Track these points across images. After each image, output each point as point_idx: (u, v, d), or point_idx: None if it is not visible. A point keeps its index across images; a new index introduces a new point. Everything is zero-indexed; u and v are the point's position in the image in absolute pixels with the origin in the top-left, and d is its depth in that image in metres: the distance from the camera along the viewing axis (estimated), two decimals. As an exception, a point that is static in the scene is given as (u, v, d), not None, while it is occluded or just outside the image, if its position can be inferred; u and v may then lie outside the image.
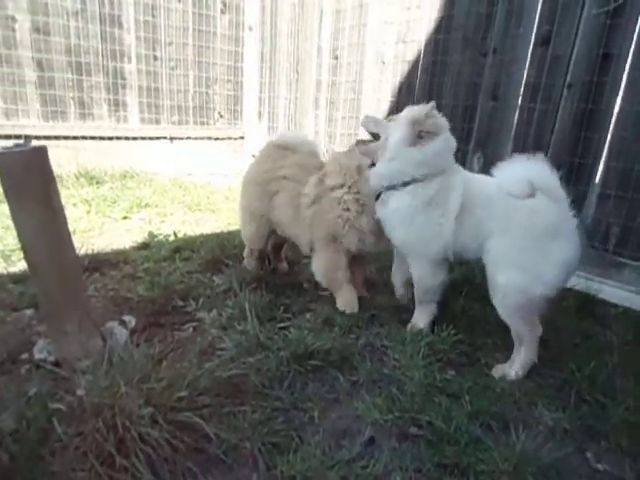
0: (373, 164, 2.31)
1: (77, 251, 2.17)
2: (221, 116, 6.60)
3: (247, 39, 6.52)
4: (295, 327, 2.27)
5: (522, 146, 3.53)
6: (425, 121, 2.14)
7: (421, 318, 2.37)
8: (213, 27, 6.26)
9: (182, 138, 6.24)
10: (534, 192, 1.99)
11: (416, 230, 2.20)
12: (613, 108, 3.06)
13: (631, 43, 2.94)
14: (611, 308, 2.82)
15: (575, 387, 1.96)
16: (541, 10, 3.37)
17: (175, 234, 3.54)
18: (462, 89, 3.94)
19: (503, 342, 2.26)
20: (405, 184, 2.18)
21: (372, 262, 3.04)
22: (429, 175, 2.15)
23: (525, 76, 3.51)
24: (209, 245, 3.30)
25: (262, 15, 6.28)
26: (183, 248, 3.28)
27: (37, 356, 1.91)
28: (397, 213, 2.22)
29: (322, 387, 1.90)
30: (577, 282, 2.95)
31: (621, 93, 3.02)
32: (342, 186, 2.44)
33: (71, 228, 1.95)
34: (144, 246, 3.34)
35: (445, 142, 2.19)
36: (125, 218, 4.07)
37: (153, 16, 5.70)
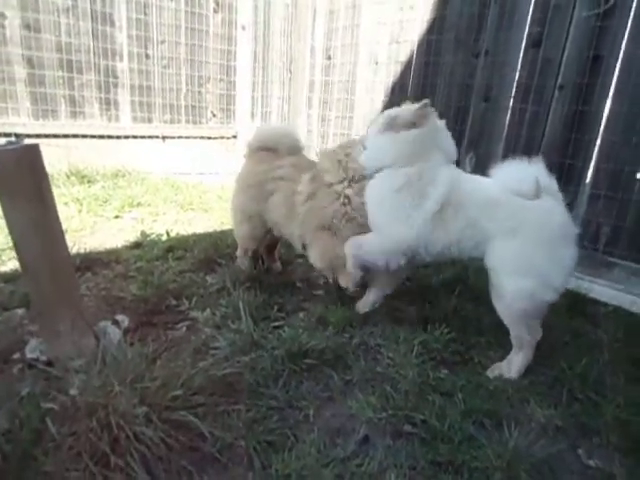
0: None
1: (69, 250, 2.15)
2: (214, 115, 6.57)
3: (240, 38, 6.50)
4: (289, 326, 2.27)
5: (514, 147, 3.56)
6: (402, 113, 2.17)
7: (369, 302, 2.51)
8: (206, 26, 6.23)
9: (174, 137, 6.20)
10: (540, 193, 1.97)
11: (383, 215, 2.22)
12: (603, 110, 3.10)
13: (621, 45, 2.98)
14: (601, 307, 2.86)
15: (567, 385, 1.99)
16: (532, 12, 3.40)
17: (168, 233, 3.52)
18: (454, 90, 3.96)
19: (496, 340, 2.28)
20: (377, 170, 2.26)
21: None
22: (398, 163, 2.17)
23: (517, 78, 3.54)
24: (202, 244, 3.29)
25: (255, 14, 6.27)
26: (176, 247, 3.27)
27: (29, 355, 1.89)
28: (369, 198, 2.27)
29: (316, 386, 1.91)
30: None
31: (611, 95, 3.06)
32: (342, 181, 2.43)
33: (63, 227, 1.93)
34: (136, 245, 3.32)
35: (421, 134, 2.15)
36: (117, 217, 4.04)
37: (145, 14, 5.66)
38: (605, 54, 3.06)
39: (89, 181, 4.92)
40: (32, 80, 5.04)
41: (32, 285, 1.87)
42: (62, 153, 5.06)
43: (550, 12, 3.28)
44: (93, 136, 5.52)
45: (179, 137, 6.25)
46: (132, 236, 3.46)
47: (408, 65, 4.35)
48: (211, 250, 3.19)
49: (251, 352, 2.01)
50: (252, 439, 1.54)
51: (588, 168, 3.22)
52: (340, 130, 5.26)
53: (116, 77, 5.62)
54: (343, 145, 2.57)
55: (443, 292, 2.77)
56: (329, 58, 5.29)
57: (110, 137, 5.67)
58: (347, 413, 1.76)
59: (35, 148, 1.75)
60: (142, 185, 5.06)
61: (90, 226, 3.71)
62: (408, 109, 2.21)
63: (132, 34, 5.62)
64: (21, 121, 5.01)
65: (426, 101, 2.17)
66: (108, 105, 5.64)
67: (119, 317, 2.23)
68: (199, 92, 6.39)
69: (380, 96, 4.66)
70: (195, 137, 6.41)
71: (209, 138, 6.57)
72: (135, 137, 5.88)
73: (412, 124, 2.15)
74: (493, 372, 2.06)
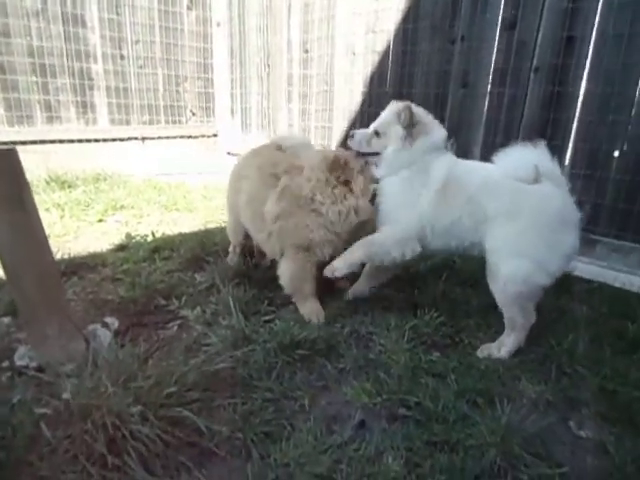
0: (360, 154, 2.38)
1: (53, 255, 2.12)
2: (193, 114, 6.52)
3: (215, 35, 6.45)
4: (280, 319, 2.28)
5: (494, 131, 3.60)
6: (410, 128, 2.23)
7: (340, 262, 2.31)
8: (180, 24, 6.17)
9: (154, 138, 6.15)
10: (539, 177, 1.99)
11: (394, 207, 2.26)
12: (579, 90, 3.15)
13: (593, 25, 3.02)
14: (586, 284, 2.91)
15: (555, 361, 2.03)
16: (506, -5, 3.43)
17: (153, 234, 3.49)
18: (432, 77, 3.98)
19: (485, 322, 2.32)
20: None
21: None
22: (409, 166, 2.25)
23: (493, 62, 3.58)
24: (189, 244, 3.27)
25: (230, 10, 6.22)
26: (162, 248, 3.25)
27: (18, 363, 1.86)
28: (383, 197, 2.30)
29: (310, 375, 1.92)
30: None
31: (586, 75, 3.11)
32: (335, 202, 2.29)
33: (46, 233, 1.91)
34: (122, 248, 3.28)
35: (430, 139, 2.25)
36: (100, 221, 3.99)
37: (118, 14, 5.58)
38: (578, 35, 3.11)
39: (70, 186, 4.85)
40: (4, 86, 4.95)
41: (17, 291, 1.85)
42: (40, 159, 4.98)
43: (523, -6, 3.32)
44: (71, 141, 5.45)
45: (159, 138, 6.19)
46: (117, 239, 3.42)
47: (385, 54, 4.35)
48: (198, 249, 3.18)
49: (243, 347, 2.01)
50: (249, 431, 1.55)
51: (567, 148, 3.27)
52: (321, 123, 5.26)
53: (91, 79, 5.55)
54: (334, 158, 2.35)
55: (431, 278, 2.80)
56: (306, 51, 5.28)
57: (89, 141, 5.60)
58: (342, 400, 1.78)
59: (13, 153, 1.72)
60: (124, 188, 5.00)
61: (73, 231, 3.66)
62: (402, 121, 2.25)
63: (105, 35, 5.54)
64: (-5, 128, 4.92)
65: (407, 104, 2.24)
66: (85, 108, 5.56)
67: (108, 319, 2.21)
68: (177, 91, 6.33)
69: (359, 87, 4.67)
70: (175, 137, 6.36)
71: (189, 137, 6.52)
72: (114, 140, 5.81)
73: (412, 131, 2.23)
74: (483, 352, 2.09)
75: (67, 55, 5.31)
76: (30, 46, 5.04)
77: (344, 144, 2.65)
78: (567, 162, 3.27)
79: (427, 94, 4.00)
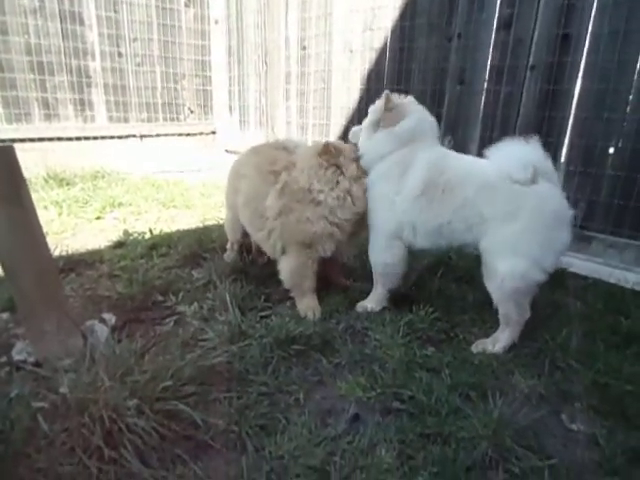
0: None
1: (51, 251, 2.14)
2: (191, 111, 6.52)
3: (213, 32, 6.46)
4: (276, 315, 2.31)
5: (490, 128, 3.62)
6: (374, 113, 2.30)
7: (372, 300, 2.44)
8: (178, 21, 6.17)
9: (152, 135, 6.15)
10: (537, 178, 1.98)
11: (372, 207, 2.32)
12: (574, 87, 3.16)
13: (588, 23, 3.03)
14: (581, 280, 2.93)
15: (549, 355, 2.05)
16: (502, -7, 3.44)
17: (151, 231, 3.51)
18: (430, 74, 3.99)
19: (479, 318, 2.34)
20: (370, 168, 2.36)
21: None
22: (382, 156, 2.29)
23: (489, 59, 3.59)
24: (186, 241, 3.28)
25: (227, 7, 6.22)
26: (160, 245, 3.26)
27: (16, 358, 1.88)
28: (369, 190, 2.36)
29: (306, 370, 1.94)
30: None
31: (581, 72, 3.12)
32: (332, 188, 2.30)
33: (43, 230, 1.92)
34: (119, 245, 3.30)
35: (407, 124, 2.26)
36: (98, 218, 4.00)
37: (115, 11, 5.58)
38: (574, 32, 3.12)
39: (68, 184, 4.86)
40: (2, 84, 4.96)
41: (15, 287, 1.86)
42: (38, 157, 4.99)
43: (519, -8, 3.33)
44: (69, 138, 5.46)
45: (157, 135, 6.20)
46: (115, 236, 3.43)
47: (383, 52, 4.36)
48: (195, 246, 3.19)
49: (239, 342, 2.03)
50: (244, 424, 1.57)
51: (563, 145, 3.28)
52: (319, 120, 5.27)
53: (89, 77, 5.55)
54: (324, 144, 2.38)
55: (427, 274, 2.82)
56: (304, 48, 5.28)
57: (87, 138, 5.61)
58: (337, 394, 1.80)
59: (10, 149, 1.73)
60: (122, 185, 5.01)
61: (71, 228, 3.68)
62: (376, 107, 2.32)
63: (103, 32, 5.54)
64: (-6, 126, 4.93)
65: (386, 92, 2.27)
66: (83, 106, 5.57)
67: (106, 315, 2.22)
68: (175, 89, 6.34)
69: (357, 84, 4.68)
70: (173, 134, 6.37)
71: (188, 135, 6.53)
72: (112, 137, 5.82)
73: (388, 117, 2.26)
74: (477, 348, 2.11)
75: (65, 53, 5.31)
76: (28, 44, 5.05)
77: (342, 141, 2.66)
78: (563, 159, 3.29)
79: (424, 91, 4.01)
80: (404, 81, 4.17)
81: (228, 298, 2.31)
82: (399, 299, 2.50)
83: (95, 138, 5.68)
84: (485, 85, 3.65)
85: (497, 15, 3.49)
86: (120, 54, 5.74)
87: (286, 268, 2.41)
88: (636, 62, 2.86)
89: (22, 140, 5.03)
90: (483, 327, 2.27)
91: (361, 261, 2.93)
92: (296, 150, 2.59)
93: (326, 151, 2.31)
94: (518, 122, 3.48)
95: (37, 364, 1.83)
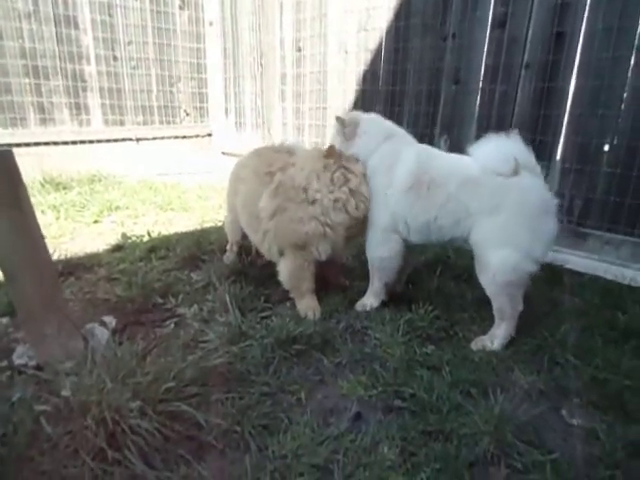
0: None
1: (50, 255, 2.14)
2: (187, 114, 6.52)
3: (208, 35, 6.46)
4: (276, 315, 2.31)
5: (486, 127, 3.63)
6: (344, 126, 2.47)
7: (370, 296, 2.48)
8: (172, 24, 6.17)
9: (148, 138, 6.14)
10: (519, 170, 2.03)
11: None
12: (569, 85, 3.18)
13: (582, 21, 3.05)
14: (578, 276, 2.95)
15: (548, 351, 2.06)
16: (496, -8, 3.46)
17: (149, 234, 3.51)
18: (425, 74, 4.01)
19: (478, 315, 2.35)
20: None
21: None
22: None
23: (484, 58, 3.61)
24: (185, 243, 3.29)
25: (222, 10, 6.22)
26: (158, 247, 3.26)
27: (17, 361, 1.88)
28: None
29: (307, 370, 1.94)
30: (545, 254, 3.08)
31: (576, 70, 3.14)
32: (332, 191, 2.30)
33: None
34: (118, 248, 3.30)
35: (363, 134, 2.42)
36: (96, 222, 4.00)
37: (110, 15, 5.58)
38: (568, 30, 3.14)
39: (65, 188, 4.86)
40: (-3, 88, 4.94)
41: (15, 291, 1.86)
42: (34, 161, 4.98)
43: (513, -9, 3.35)
44: (65, 142, 5.45)
45: (153, 138, 6.19)
46: (113, 239, 3.43)
47: (378, 52, 4.38)
48: (194, 248, 3.20)
49: (240, 342, 2.03)
50: (247, 424, 1.57)
51: (558, 143, 3.30)
52: (315, 121, 5.28)
53: (84, 81, 5.54)
54: (330, 147, 2.41)
55: (425, 272, 2.84)
56: (299, 50, 5.30)
57: (83, 142, 5.60)
58: (338, 393, 1.80)
59: (9, 154, 1.74)
60: (119, 189, 5.01)
61: (69, 232, 3.68)
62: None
63: (98, 36, 5.53)
64: (-11, 131, 4.92)
65: (336, 115, 2.53)
66: (78, 110, 5.56)
67: (106, 318, 2.22)
68: (171, 92, 6.33)
69: (352, 85, 4.69)
70: (170, 137, 6.36)
71: (184, 137, 6.52)
72: (108, 141, 5.81)
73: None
74: (477, 345, 2.12)
75: (60, 57, 5.30)
76: (22, 48, 5.03)
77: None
78: (558, 157, 3.31)
79: (419, 91, 4.04)
80: (399, 81, 4.19)
81: (228, 299, 2.32)
82: (398, 298, 2.52)
83: (91, 142, 5.67)
84: (480, 84, 3.66)
85: (491, 14, 3.51)
86: (115, 58, 5.73)
87: (284, 270, 2.42)
88: (630, 59, 2.88)
89: (18, 145, 5.00)
90: (482, 325, 2.27)
91: (360, 261, 2.94)
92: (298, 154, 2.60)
93: (332, 154, 2.33)
94: (513, 121, 3.50)
95: (38, 368, 1.83)
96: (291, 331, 2.08)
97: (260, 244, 2.54)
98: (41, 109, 5.28)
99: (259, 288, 2.62)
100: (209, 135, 6.75)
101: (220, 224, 3.61)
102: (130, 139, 5.98)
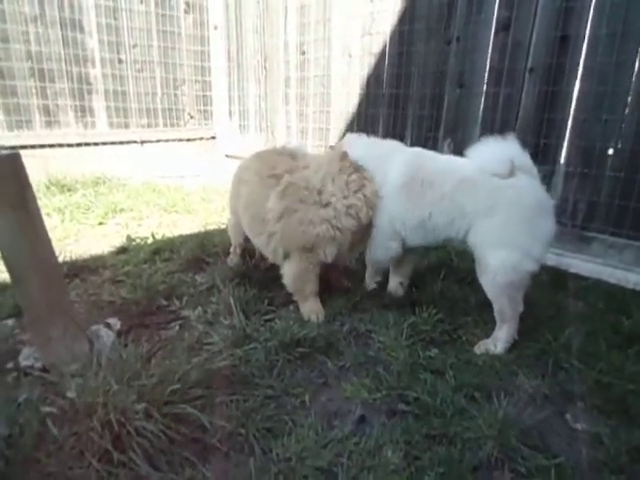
0: None
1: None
2: (191, 117, 6.55)
3: (213, 38, 6.49)
4: (280, 318, 2.33)
5: (490, 130, 3.63)
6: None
7: (369, 276, 2.72)
8: (177, 27, 6.20)
9: (153, 141, 6.17)
10: (514, 171, 2.07)
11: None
12: (573, 89, 3.18)
13: (586, 25, 3.06)
14: (582, 280, 2.94)
15: (552, 355, 2.06)
16: (500, -4, 3.47)
17: (153, 236, 3.53)
18: (429, 78, 4.02)
19: (482, 319, 2.35)
20: None
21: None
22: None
23: (488, 62, 3.61)
24: (189, 245, 3.30)
25: (226, 13, 6.25)
26: (162, 249, 3.28)
27: (23, 363, 1.90)
28: None
29: (311, 373, 1.95)
30: (549, 258, 3.07)
31: (580, 74, 3.14)
32: (347, 196, 2.30)
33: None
34: (122, 250, 3.31)
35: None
36: (101, 224, 4.02)
37: (115, 19, 5.61)
38: (572, 34, 3.14)
39: (69, 190, 4.88)
40: (4, 91, 4.97)
41: (22, 293, 1.87)
42: (39, 163, 5.00)
43: (517, -5, 3.35)
44: (70, 145, 5.47)
45: (157, 141, 6.21)
46: (117, 241, 3.45)
47: (382, 56, 4.39)
48: (198, 250, 3.21)
49: (244, 345, 2.04)
50: (251, 427, 1.58)
51: (562, 147, 3.30)
52: (319, 125, 5.29)
53: (90, 84, 5.57)
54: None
55: (429, 276, 2.84)
56: (303, 53, 5.31)
57: (87, 145, 5.62)
58: (342, 396, 1.81)
59: (17, 157, 1.75)
60: (124, 191, 5.03)
61: (74, 234, 3.70)
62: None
63: (103, 39, 5.56)
64: (-5, 133, 4.95)
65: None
66: (83, 112, 5.59)
67: (111, 320, 2.24)
68: (175, 94, 6.36)
69: (356, 89, 4.70)
70: (174, 140, 6.38)
71: (188, 140, 6.54)
72: (113, 143, 5.83)
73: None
74: (480, 349, 2.13)
75: (65, 60, 5.33)
76: (29, 51, 5.06)
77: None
78: (562, 160, 3.31)
79: (423, 95, 4.04)
80: (403, 85, 4.20)
81: (232, 302, 2.33)
82: (402, 301, 2.52)
83: (96, 144, 5.69)
84: (484, 88, 3.67)
85: (495, 18, 3.52)
86: (120, 60, 5.76)
87: (288, 273, 2.42)
88: (634, 63, 2.88)
89: (23, 147, 5.02)
90: (485, 328, 2.27)
91: (362, 264, 2.94)
92: (304, 157, 2.61)
93: (347, 156, 2.34)
94: (517, 124, 3.50)
95: (44, 369, 1.84)
96: (295, 334, 2.09)
97: (264, 246, 2.53)
98: (46, 111, 5.31)
99: (263, 291, 2.63)
100: (213, 138, 6.77)
101: (224, 226, 3.62)
102: (134, 142, 6.00)
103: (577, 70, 3.14)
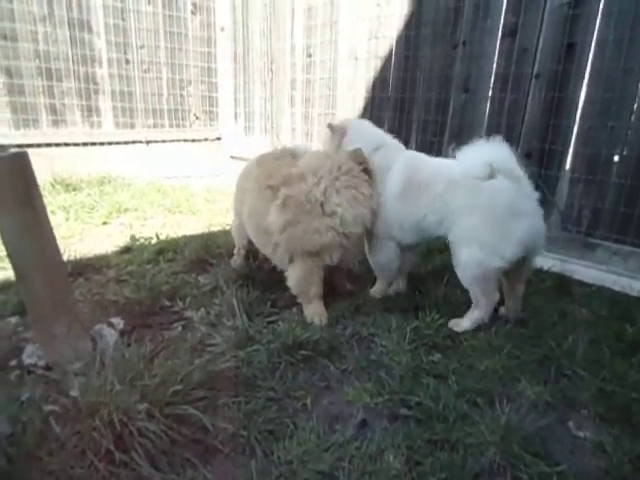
0: None
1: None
2: (197, 118, 6.57)
3: (219, 40, 6.51)
4: (283, 320, 2.33)
5: (495, 135, 3.62)
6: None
7: (377, 289, 2.69)
8: (184, 29, 6.23)
9: (158, 141, 6.19)
10: (495, 174, 2.16)
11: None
12: (579, 96, 3.18)
13: (593, 32, 3.05)
14: (586, 287, 2.94)
15: (555, 362, 2.05)
16: (507, 2, 3.47)
17: (157, 236, 3.54)
18: (435, 82, 4.02)
19: (485, 323, 2.34)
20: None
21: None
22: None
23: (494, 67, 3.61)
24: (192, 246, 3.31)
25: (233, 15, 6.27)
26: (166, 250, 3.28)
27: (27, 361, 1.90)
28: None
29: (313, 376, 1.95)
30: (553, 264, 3.08)
31: (586, 81, 3.14)
32: (334, 213, 2.28)
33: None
34: (126, 250, 3.33)
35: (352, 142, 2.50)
36: (105, 223, 4.04)
37: (123, 19, 5.64)
38: (579, 41, 3.14)
39: (74, 189, 4.90)
40: (11, 90, 5.00)
41: (27, 291, 1.88)
42: (45, 162, 5.02)
43: (524, 1, 3.35)
44: (76, 144, 5.50)
45: (163, 141, 6.23)
46: (121, 241, 3.46)
47: (388, 60, 4.39)
48: (202, 251, 3.21)
49: (247, 347, 2.04)
50: (253, 429, 1.58)
51: (567, 153, 3.29)
52: (324, 127, 5.28)
53: (96, 84, 5.60)
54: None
55: (432, 280, 2.83)
56: (309, 56, 5.33)
57: (93, 144, 5.65)
58: (344, 400, 1.81)
59: (24, 155, 1.77)
60: (128, 191, 5.05)
61: (79, 233, 3.71)
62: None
63: (111, 40, 5.59)
64: (2, 131, 4.97)
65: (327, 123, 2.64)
66: (90, 112, 5.61)
67: (114, 320, 2.24)
68: (181, 95, 6.38)
69: (361, 92, 4.71)
70: (179, 140, 6.40)
71: (193, 141, 6.56)
72: (119, 143, 5.86)
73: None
74: (451, 323, 2.33)
75: (73, 59, 5.36)
76: (37, 50, 5.10)
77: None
78: (568, 167, 3.30)
79: (429, 99, 4.04)
80: (409, 89, 4.20)
81: (235, 303, 2.33)
82: (405, 305, 2.52)
83: (102, 144, 5.72)
84: (490, 93, 3.66)
85: (502, 23, 3.52)
86: (127, 61, 5.79)
87: (293, 276, 2.43)
88: (641, 71, 2.87)
89: (29, 145, 5.04)
90: (488, 332, 2.27)
91: (366, 267, 2.94)
92: (303, 157, 2.60)
93: (359, 158, 2.38)
94: (523, 130, 3.50)
95: (47, 368, 1.85)
96: (298, 336, 2.09)
97: (272, 256, 2.56)
98: (53, 111, 5.34)
99: (266, 293, 2.63)
100: (218, 139, 6.79)
101: (228, 228, 3.63)
102: (140, 142, 6.02)
103: (583, 76, 3.14)
